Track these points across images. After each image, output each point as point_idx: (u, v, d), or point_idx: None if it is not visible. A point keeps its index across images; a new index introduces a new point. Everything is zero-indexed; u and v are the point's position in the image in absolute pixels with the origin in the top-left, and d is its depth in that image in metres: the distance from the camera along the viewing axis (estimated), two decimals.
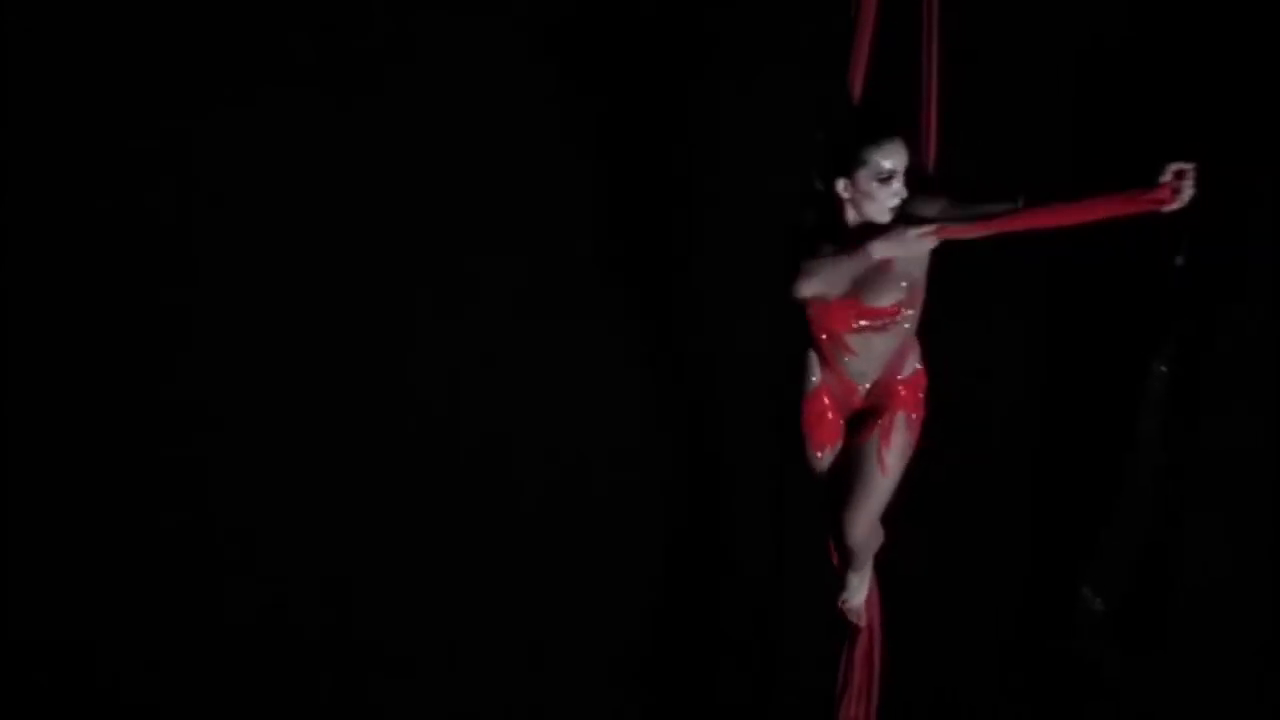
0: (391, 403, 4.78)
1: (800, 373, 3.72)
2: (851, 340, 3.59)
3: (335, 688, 4.87)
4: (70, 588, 4.76)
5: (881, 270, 3.49)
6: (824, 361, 3.68)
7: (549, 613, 4.88)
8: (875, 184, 3.40)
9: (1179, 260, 4.53)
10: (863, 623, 4.00)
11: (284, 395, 4.75)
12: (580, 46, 4.63)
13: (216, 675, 4.82)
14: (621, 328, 4.79)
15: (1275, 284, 4.53)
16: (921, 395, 3.70)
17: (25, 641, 4.77)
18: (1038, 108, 4.59)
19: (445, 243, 4.70)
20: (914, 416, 3.69)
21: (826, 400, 3.72)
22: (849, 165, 3.40)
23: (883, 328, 3.54)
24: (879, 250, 3.43)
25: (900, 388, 3.67)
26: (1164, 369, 4.62)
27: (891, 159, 3.39)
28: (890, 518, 3.94)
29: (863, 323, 3.54)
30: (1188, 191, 3.20)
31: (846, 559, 3.87)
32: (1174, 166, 3.21)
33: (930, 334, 3.75)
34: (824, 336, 3.63)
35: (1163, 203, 3.22)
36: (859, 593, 3.96)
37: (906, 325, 3.58)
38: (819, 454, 3.76)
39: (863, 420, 3.72)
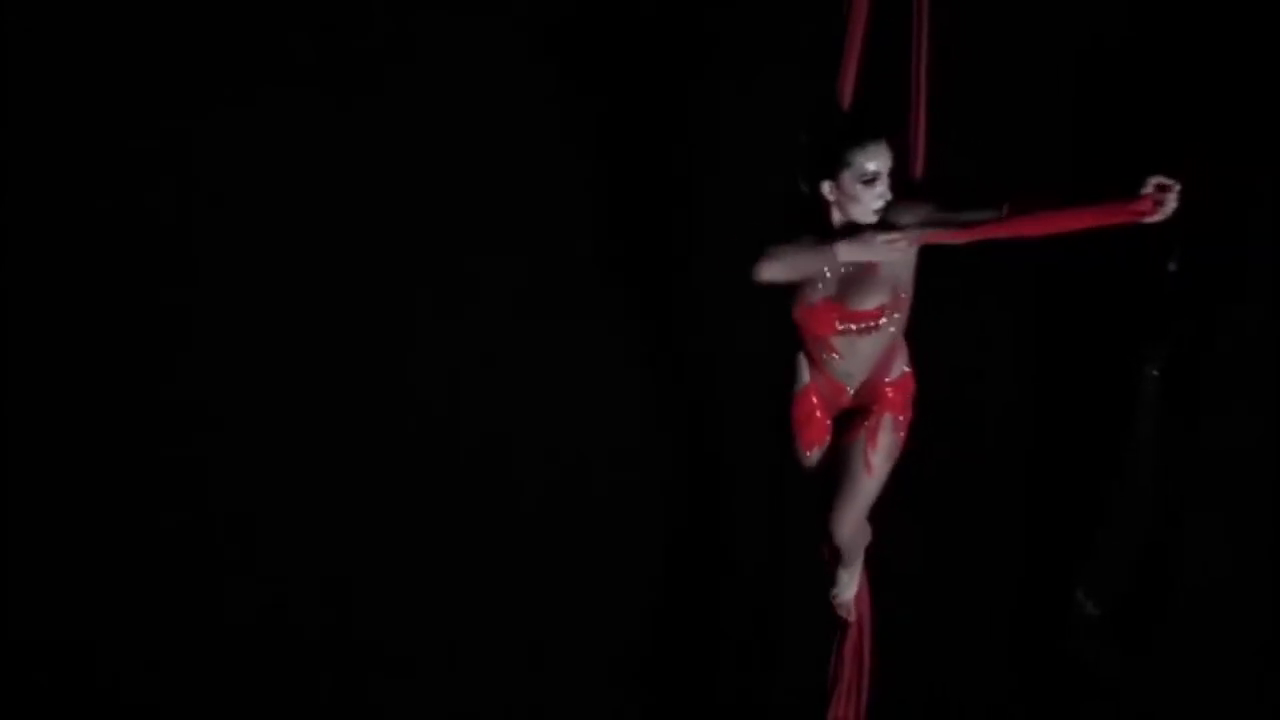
0: (391, 403, 4.78)
1: (790, 373, 3.74)
2: (837, 342, 3.62)
3: (335, 688, 4.87)
4: (70, 588, 4.76)
5: (866, 274, 3.52)
6: (812, 362, 3.72)
7: (549, 613, 4.88)
8: (859, 186, 3.42)
9: (1172, 265, 4.53)
10: (852, 618, 4.05)
11: (284, 395, 4.75)
12: (580, 46, 4.63)
13: (216, 675, 4.82)
14: (621, 328, 4.79)
15: (1275, 284, 4.53)
16: (909, 397, 3.73)
17: (25, 641, 4.78)
18: (1036, 108, 4.59)
19: (445, 243, 4.70)
20: (901, 418, 3.72)
21: (815, 400, 3.76)
22: (833, 167, 3.42)
23: (867, 330, 3.56)
24: (844, 252, 3.46)
25: (888, 389, 3.70)
26: (1155, 373, 4.62)
27: (875, 161, 3.41)
28: (885, 518, 3.97)
29: (847, 325, 3.55)
30: (1170, 204, 3.21)
31: (835, 556, 3.91)
32: (1155, 180, 3.22)
33: (923, 335, 3.76)
34: (810, 338, 3.65)
35: (1144, 214, 3.23)
36: (849, 589, 4.01)
37: (892, 328, 3.60)
38: (808, 452, 3.80)
39: (850, 420, 3.75)
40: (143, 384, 4.72)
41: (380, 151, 4.66)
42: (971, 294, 4.60)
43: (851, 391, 3.73)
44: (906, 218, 3.46)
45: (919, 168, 3.70)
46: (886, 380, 3.70)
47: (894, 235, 3.44)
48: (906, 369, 3.74)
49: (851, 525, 3.80)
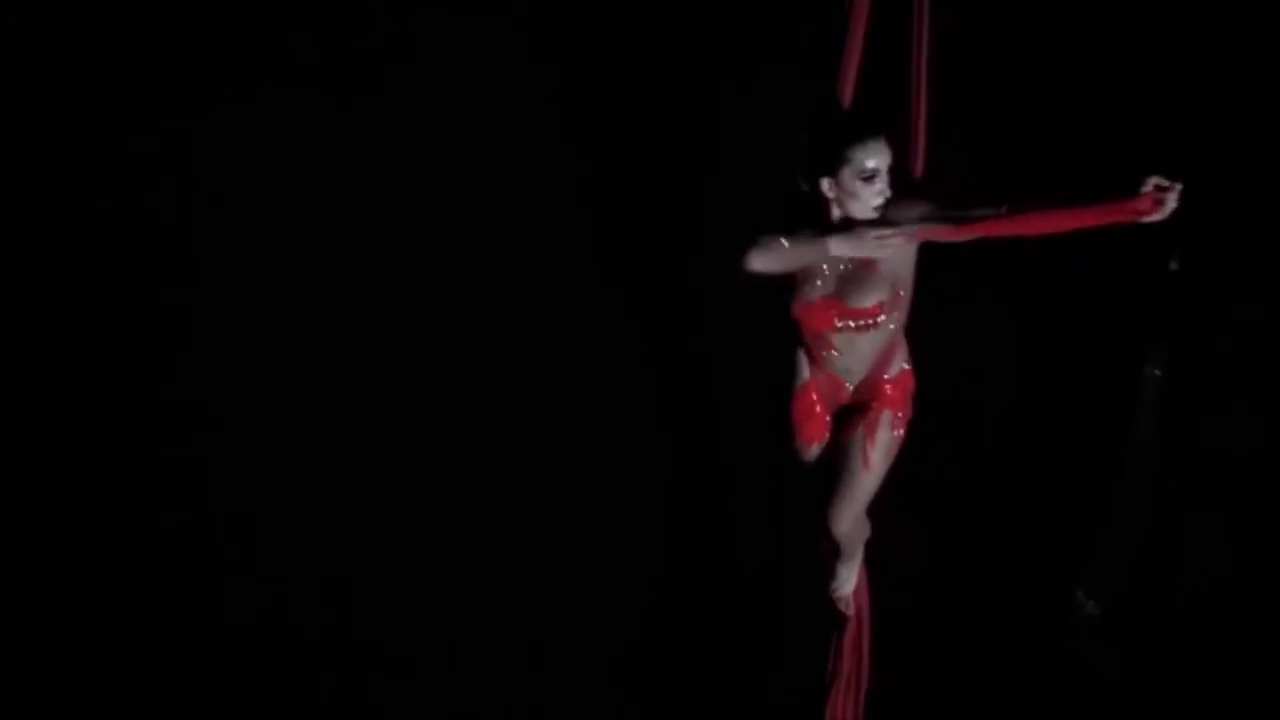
0: (391, 403, 4.78)
1: (790, 369, 3.75)
2: (836, 339, 3.64)
3: (335, 688, 4.87)
4: (70, 588, 4.76)
5: (865, 271, 3.53)
6: (811, 359, 3.74)
7: (549, 613, 4.88)
8: (859, 183, 3.44)
9: (1173, 265, 4.53)
10: (852, 612, 4.09)
11: (284, 395, 4.75)
12: (580, 46, 4.63)
13: (216, 675, 4.82)
14: (621, 328, 4.79)
15: (1275, 284, 4.53)
16: (908, 395, 3.75)
17: (25, 641, 4.78)
18: (1036, 108, 4.59)
19: (445, 243, 4.70)
20: (900, 415, 3.74)
21: (814, 396, 3.78)
22: (833, 164, 3.43)
23: (866, 328, 3.57)
24: (835, 246, 3.48)
25: (887, 386, 3.71)
26: (1157, 372, 4.62)
27: (875, 157, 3.43)
28: (885, 517, 3.97)
29: (846, 323, 3.56)
30: (1170, 203, 3.21)
31: (834, 550, 3.94)
32: (1154, 180, 3.22)
33: (923, 334, 3.77)
34: (810, 335, 3.66)
35: (1143, 213, 3.24)
36: (848, 583, 4.04)
37: (891, 326, 3.61)
38: (807, 448, 3.82)
39: (850, 416, 3.77)
40: (143, 384, 4.72)
41: (380, 151, 4.66)
42: (972, 293, 4.60)
43: (851, 388, 3.74)
44: (905, 215, 3.47)
45: (919, 166, 3.71)
46: (886, 377, 3.71)
47: (886, 231, 3.45)
48: (906, 366, 3.76)
49: (850, 520, 3.83)
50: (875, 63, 3.71)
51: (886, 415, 3.71)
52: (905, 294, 3.59)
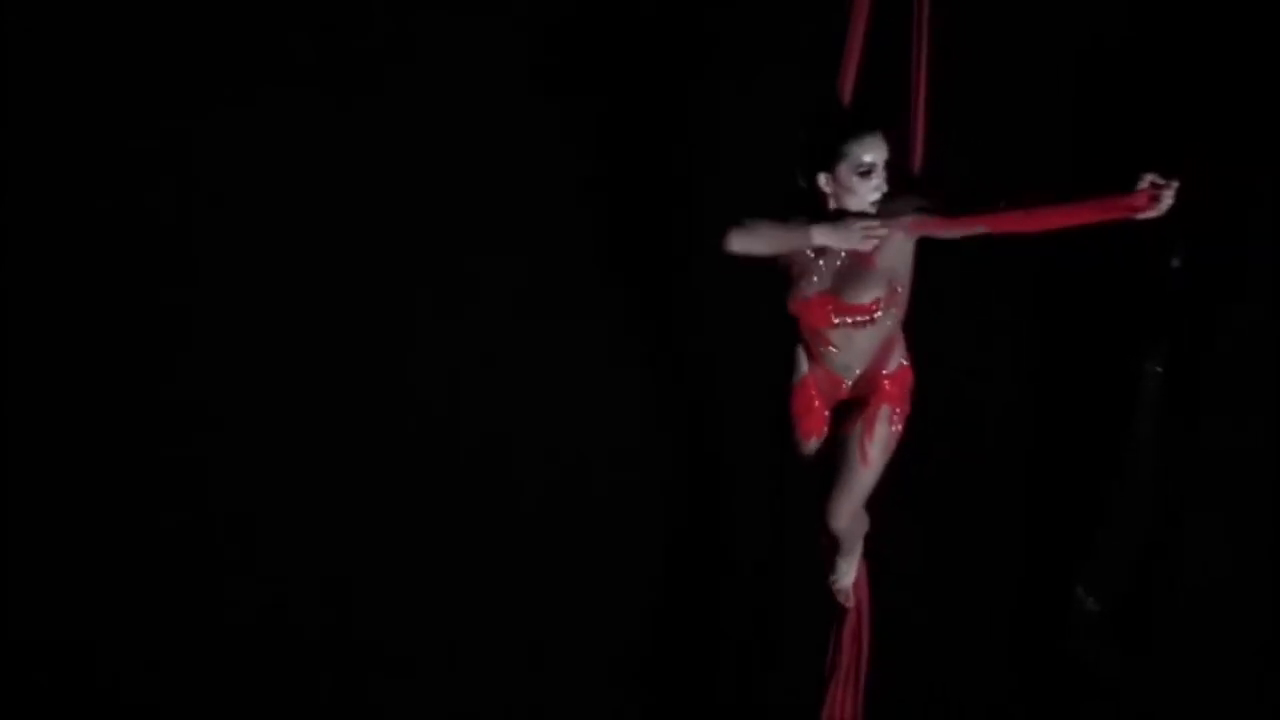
0: (391, 403, 4.78)
1: (789, 364, 3.77)
2: (833, 335, 3.65)
3: (335, 688, 4.87)
4: (70, 588, 4.76)
5: (861, 267, 3.53)
6: (810, 355, 3.75)
7: (549, 613, 4.88)
8: (856, 178, 3.45)
9: (1175, 263, 4.53)
10: (851, 604, 4.11)
11: (284, 395, 4.75)
12: (580, 46, 4.63)
13: (216, 675, 4.82)
14: (621, 328, 4.79)
15: (1275, 284, 4.53)
16: (906, 390, 3.75)
17: (25, 641, 4.77)
18: (1036, 107, 4.59)
19: (445, 243, 4.70)
20: (898, 411, 3.75)
21: (813, 391, 3.79)
22: (829, 159, 3.44)
23: (863, 324, 3.57)
24: (819, 236, 3.49)
25: (885, 382, 3.72)
26: (1158, 370, 4.62)
27: (871, 153, 3.44)
28: (886, 517, 3.98)
29: (843, 319, 3.57)
30: (1166, 200, 3.21)
31: (833, 544, 3.95)
32: (1150, 177, 3.22)
33: (924, 332, 3.77)
34: (807, 331, 3.67)
35: (1138, 210, 3.23)
36: (847, 576, 4.07)
37: (888, 322, 3.62)
38: (806, 442, 3.83)
39: (849, 412, 3.78)
40: (143, 384, 4.72)
41: (380, 151, 4.66)
42: (972, 291, 4.60)
43: (849, 384, 3.75)
44: (901, 211, 3.48)
45: (918, 163, 3.72)
46: (884, 373, 3.72)
47: (872, 223, 3.46)
48: (904, 362, 3.76)
49: (848, 515, 3.84)
50: (875, 60, 3.71)
51: (885, 411, 3.72)
52: (903, 290, 3.60)
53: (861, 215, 3.49)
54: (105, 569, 4.76)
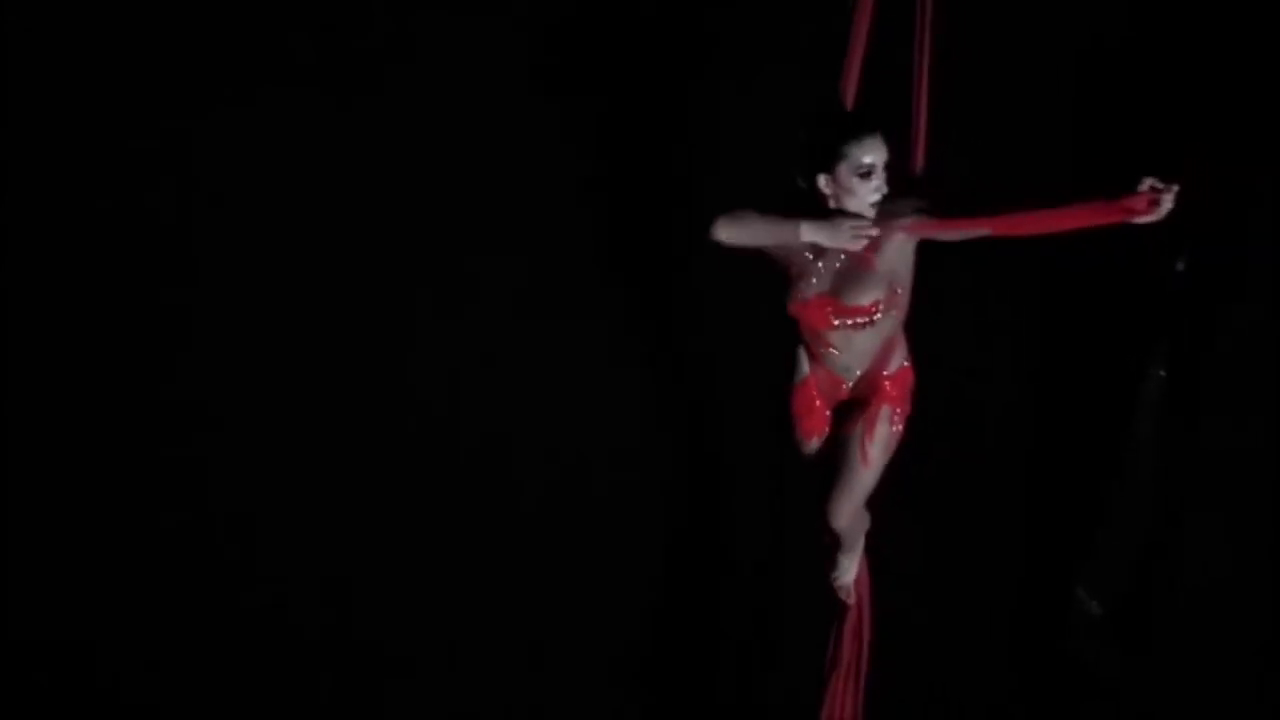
0: (391, 403, 4.78)
1: (790, 364, 3.78)
2: (833, 337, 3.65)
3: (335, 688, 4.87)
4: (70, 588, 4.76)
5: (860, 268, 3.53)
6: (810, 356, 3.75)
7: (549, 613, 4.88)
8: (855, 179, 3.45)
9: (1180, 265, 4.53)
10: (852, 600, 4.11)
11: (284, 395, 4.75)
12: (580, 46, 4.63)
13: (216, 675, 4.82)
14: (621, 328, 4.79)
15: (1275, 284, 4.53)
16: (907, 391, 3.75)
17: (25, 641, 4.77)
18: (1036, 108, 4.59)
19: (445, 243, 4.70)
20: (898, 411, 3.75)
21: (814, 391, 3.79)
22: (829, 160, 3.43)
23: (862, 326, 3.57)
24: (807, 232, 3.49)
25: (885, 382, 3.72)
26: (1162, 373, 4.62)
27: (871, 154, 3.44)
28: (886, 516, 3.98)
29: (842, 320, 3.57)
30: (1166, 205, 3.20)
31: (835, 541, 3.96)
32: (1150, 180, 3.21)
33: (924, 333, 3.77)
34: (807, 333, 3.68)
35: (1137, 213, 3.22)
36: (849, 572, 4.07)
37: (888, 324, 3.61)
38: (807, 441, 3.83)
39: (849, 411, 3.78)
40: (143, 384, 4.72)
41: (380, 151, 4.66)
42: (973, 292, 4.60)
43: (850, 385, 3.75)
44: (901, 212, 3.48)
45: (919, 164, 3.71)
46: (885, 374, 3.72)
47: (862, 223, 3.46)
48: (905, 363, 3.76)
49: (849, 514, 3.85)
50: (876, 61, 3.71)
51: (885, 411, 3.72)
52: (903, 292, 3.59)
53: (853, 215, 3.48)
54: (105, 569, 4.76)
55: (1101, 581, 4.76)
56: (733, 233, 3.50)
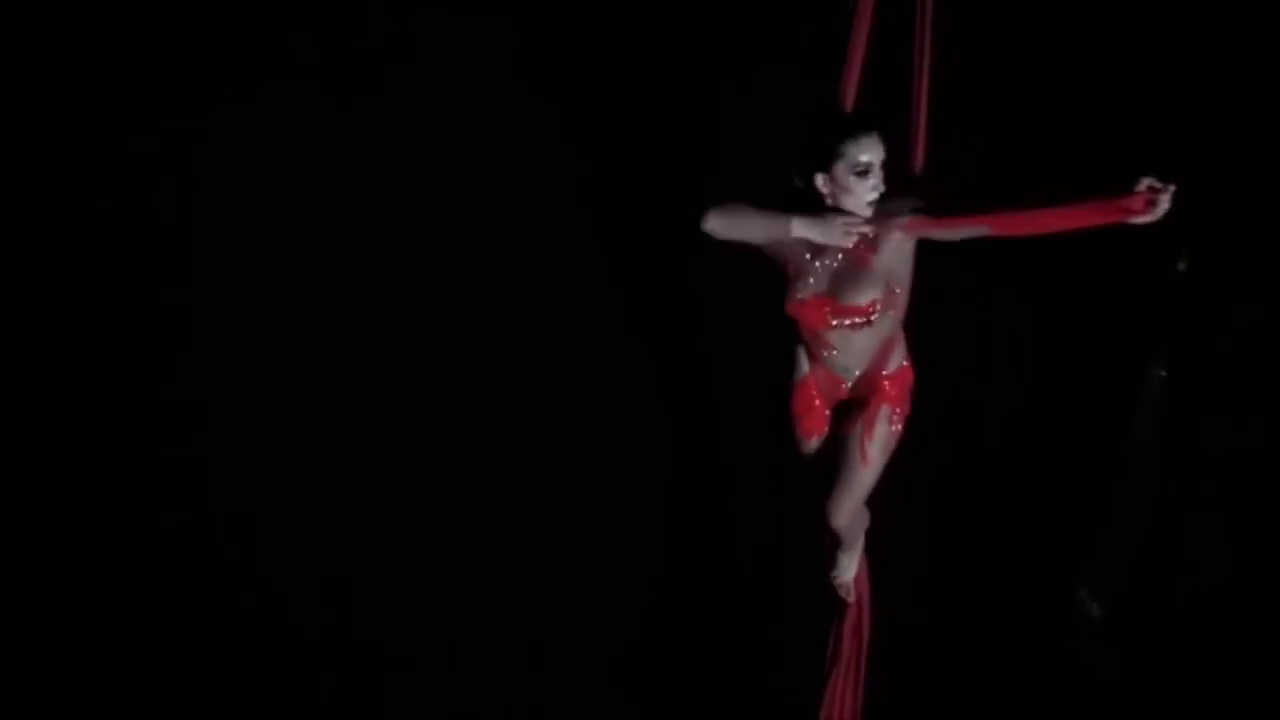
0: (391, 403, 4.78)
1: (790, 364, 3.78)
2: (831, 337, 3.65)
3: (335, 688, 4.87)
4: (70, 588, 4.76)
5: (858, 268, 3.53)
6: (810, 355, 3.75)
7: (549, 613, 4.88)
8: (852, 178, 3.45)
9: (1181, 265, 4.53)
10: (852, 599, 4.12)
11: (284, 395, 4.75)
12: (580, 47, 4.63)
13: (216, 675, 4.82)
14: (621, 328, 4.79)
15: (1275, 284, 4.53)
16: (907, 390, 3.75)
17: (25, 641, 4.77)
18: (1036, 108, 4.59)
19: (445, 243, 4.70)
20: (898, 411, 3.75)
21: (814, 391, 3.79)
22: (826, 159, 3.44)
23: (860, 325, 3.57)
24: (798, 228, 3.49)
25: (885, 382, 3.72)
26: (1163, 373, 4.62)
27: (868, 153, 3.44)
28: (886, 517, 3.98)
29: (840, 320, 3.57)
30: (1163, 205, 3.20)
31: (835, 540, 3.97)
32: (1148, 181, 3.21)
33: (924, 333, 3.77)
34: (806, 333, 3.68)
35: (1134, 213, 3.22)
36: (848, 571, 4.07)
37: (886, 323, 3.61)
38: (807, 440, 3.83)
39: (849, 411, 3.78)
40: (143, 384, 4.72)
41: (380, 151, 4.66)
42: (973, 292, 4.60)
43: (849, 384, 3.76)
44: (899, 211, 3.48)
45: (918, 164, 3.71)
46: (884, 373, 3.72)
47: (854, 220, 3.46)
48: (905, 362, 3.76)
49: (848, 513, 3.85)
50: (876, 61, 3.71)
51: (885, 410, 3.72)
52: (901, 292, 3.59)
53: (846, 212, 3.48)
54: (105, 569, 4.76)
55: (1102, 581, 4.76)
56: (724, 224, 3.50)
